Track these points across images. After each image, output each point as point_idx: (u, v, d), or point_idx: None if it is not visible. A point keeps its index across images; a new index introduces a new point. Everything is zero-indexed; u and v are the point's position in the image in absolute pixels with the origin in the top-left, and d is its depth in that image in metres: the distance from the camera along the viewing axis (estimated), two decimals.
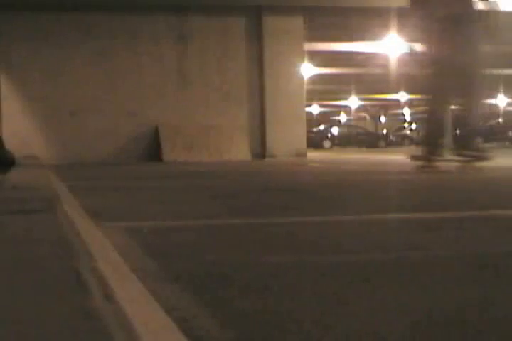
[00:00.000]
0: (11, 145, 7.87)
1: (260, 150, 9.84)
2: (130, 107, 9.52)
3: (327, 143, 25.85)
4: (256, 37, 9.85)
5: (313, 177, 4.91)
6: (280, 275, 1.16)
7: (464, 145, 4.51)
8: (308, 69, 14.25)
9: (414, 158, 4.82)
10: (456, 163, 4.52)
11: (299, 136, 10.04)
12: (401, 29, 12.22)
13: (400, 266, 1.24)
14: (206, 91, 9.70)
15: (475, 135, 4.58)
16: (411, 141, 30.42)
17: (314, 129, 26.94)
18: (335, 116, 37.32)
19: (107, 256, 1.11)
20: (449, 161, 4.51)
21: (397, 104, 29.04)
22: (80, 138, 9.36)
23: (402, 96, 25.78)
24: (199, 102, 9.72)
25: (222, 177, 5.25)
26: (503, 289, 1.05)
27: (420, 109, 4.55)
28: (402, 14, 10.66)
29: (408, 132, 32.38)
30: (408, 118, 36.75)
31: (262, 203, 2.71)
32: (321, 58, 14.91)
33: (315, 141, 24.10)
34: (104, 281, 0.67)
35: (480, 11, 5.06)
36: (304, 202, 2.77)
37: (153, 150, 9.47)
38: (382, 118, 37.01)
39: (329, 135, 26.78)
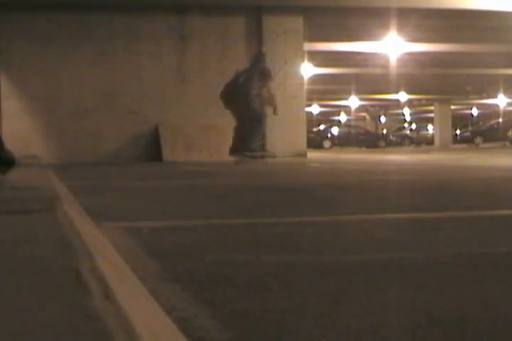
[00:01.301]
0: (11, 144, 7.85)
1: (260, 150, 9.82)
2: (130, 107, 9.51)
3: (327, 143, 25.83)
4: (256, 36, 9.84)
5: (312, 177, 4.91)
6: (280, 275, 1.15)
7: (249, 150, 7.88)
8: (308, 69, 14.24)
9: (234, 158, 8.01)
10: (251, 159, 7.76)
11: (298, 136, 10.03)
12: (401, 29, 12.22)
13: (400, 265, 1.24)
14: (206, 91, 9.69)
15: (255, 145, 7.98)
16: (411, 140, 30.44)
17: (314, 129, 26.92)
18: (335, 116, 37.33)
19: (107, 256, 1.10)
20: (249, 158, 7.78)
21: (397, 104, 29.06)
22: (80, 137, 9.35)
23: (402, 96, 25.78)
24: (199, 102, 9.71)
25: (222, 177, 5.25)
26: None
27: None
28: (401, 14, 10.66)
29: (408, 132, 32.39)
30: (408, 118, 36.75)
31: (262, 203, 2.71)
32: (321, 58, 14.91)
33: (315, 141, 24.08)
34: (104, 281, 0.67)
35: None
36: (303, 201, 2.77)
37: (153, 150, 9.46)
38: (382, 119, 37.01)
39: (329, 135, 26.76)
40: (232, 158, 7.93)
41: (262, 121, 7.83)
